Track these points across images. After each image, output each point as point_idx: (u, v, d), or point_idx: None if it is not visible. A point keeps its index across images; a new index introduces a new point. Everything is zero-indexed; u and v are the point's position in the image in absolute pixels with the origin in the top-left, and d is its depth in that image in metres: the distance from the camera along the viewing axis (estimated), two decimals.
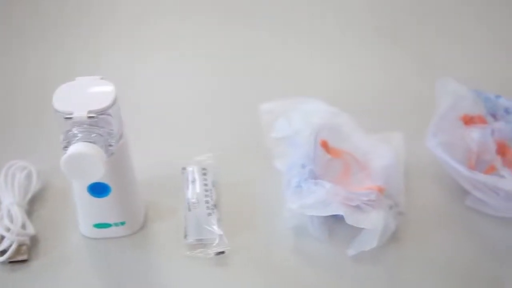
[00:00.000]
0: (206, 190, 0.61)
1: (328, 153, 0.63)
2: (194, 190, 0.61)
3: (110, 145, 0.52)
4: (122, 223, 0.58)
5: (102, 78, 0.53)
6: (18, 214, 0.57)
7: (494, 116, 0.64)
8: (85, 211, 0.57)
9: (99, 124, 0.51)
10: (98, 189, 0.55)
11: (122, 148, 0.54)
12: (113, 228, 0.58)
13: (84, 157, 0.49)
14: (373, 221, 0.55)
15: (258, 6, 0.88)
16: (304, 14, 0.87)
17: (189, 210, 0.60)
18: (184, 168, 0.64)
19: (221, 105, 0.73)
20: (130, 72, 0.78)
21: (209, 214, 0.59)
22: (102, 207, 0.56)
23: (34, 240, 0.58)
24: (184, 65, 0.80)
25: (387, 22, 0.86)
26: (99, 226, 0.58)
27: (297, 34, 0.84)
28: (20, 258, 0.56)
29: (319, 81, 0.76)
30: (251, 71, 0.78)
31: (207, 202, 0.60)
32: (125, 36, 0.85)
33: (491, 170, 0.61)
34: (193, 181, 0.62)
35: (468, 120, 0.63)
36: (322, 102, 0.66)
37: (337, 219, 0.57)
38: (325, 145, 0.63)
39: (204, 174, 0.63)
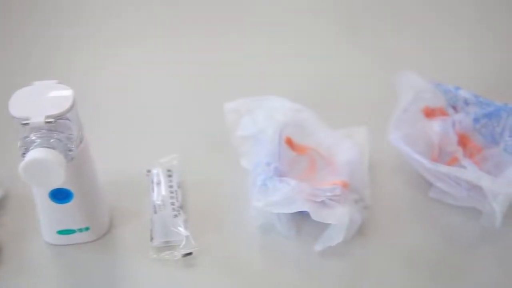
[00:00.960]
0: (172, 192, 0.61)
1: (293, 149, 0.63)
2: (160, 192, 0.61)
3: (70, 150, 0.51)
4: (87, 229, 0.57)
5: (59, 82, 0.53)
6: None
7: (455, 108, 0.65)
8: (48, 217, 0.56)
9: (58, 129, 0.50)
10: (59, 195, 0.54)
11: (82, 153, 0.53)
12: (77, 234, 0.57)
13: (43, 163, 0.48)
14: (339, 216, 0.56)
15: (220, 6, 0.88)
16: (266, 13, 0.87)
17: (155, 212, 0.59)
18: (148, 171, 0.63)
19: (185, 105, 0.73)
20: (89, 74, 0.77)
21: (175, 216, 0.59)
22: (65, 213, 0.55)
23: None
24: (145, 65, 0.79)
25: (349, 17, 0.86)
26: (62, 232, 0.57)
27: (259, 33, 0.84)
28: None
29: (283, 78, 0.76)
30: (214, 70, 0.77)
31: (172, 203, 0.60)
32: (84, 37, 0.84)
33: (453, 161, 0.62)
34: (158, 183, 0.61)
35: (429, 113, 0.64)
36: (285, 99, 0.66)
37: (304, 215, 0.57)
38: (289, 142, 0.63)
39: (169, 175, 0.62)
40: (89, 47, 0.82)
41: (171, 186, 0.61)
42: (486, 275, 0.56)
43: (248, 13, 0.87)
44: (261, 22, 0.86)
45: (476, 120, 0.63)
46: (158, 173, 0.62)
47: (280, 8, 0.88)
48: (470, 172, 0.58)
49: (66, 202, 0.54)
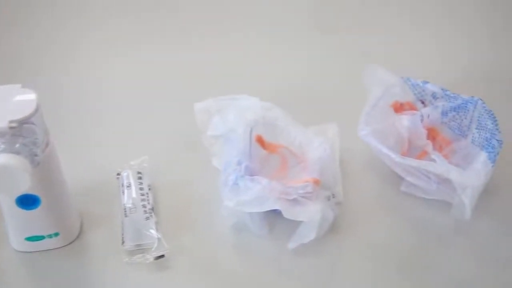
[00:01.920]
0: (143, 194, 0.60)
1: (264, 148, 0.63)
2: (130, 195, 0.60)
3: (36, 155, 0.50)
4: (56, 234, 0.56)
5: (23, 86, 0.51)
6: None
7: (423, 102, 0.66)
8: (15, 224, 0.55)
9: (22, 134, 0.49)
10: (27, 201, 0.53)
11: (49, 157, 0.52)
12: (46, 240, 0.56)
13: (7, 170, 0.47)
14: (310, 214, 0.56)
15: (190, 6, 0.87)
16: (236, 13, 0.87)
17: (126, 215, 0.58)
18: (118, 174, 0.62)
19: (155, 106, 0.72)
20: (54, 76, 0.75)
21: (147, 218, 0.58)
22: (33, 219, 0.54)
23: None
24: (114, 66, 0.78)
25: (318, 16, 0.87)
26: (31, 239, 0.56)
27: (228, 32, 0.83)
28: None
29: (253, 77, 0.75)
30: (183, 71, 0.76)
31: (144, 206, 0.59)
32: (52, 37, 0.82)
33: (423, 155, 0.62)
34: (129, 186, 0.61)
35: (398, 108, 0.64)
36: (255, 98, 0.65)
37: (277, 214, 0.57)
38: (260, 141, 0.63)
39: (140, 178, 0.62)
40: (53, 47, 0.81)
41: (141, 189, 0.61)
42: (458, 266, 0.56)
43: (220, 14, 0.87)
44: (232, 23, 0.85)
45: (444, 113, 0.64)
46: (128, 175, 0.61)
47: (251, 8, 0.87)
48: (439, 165, 0.58)
49: (33, 208, 0.53)
